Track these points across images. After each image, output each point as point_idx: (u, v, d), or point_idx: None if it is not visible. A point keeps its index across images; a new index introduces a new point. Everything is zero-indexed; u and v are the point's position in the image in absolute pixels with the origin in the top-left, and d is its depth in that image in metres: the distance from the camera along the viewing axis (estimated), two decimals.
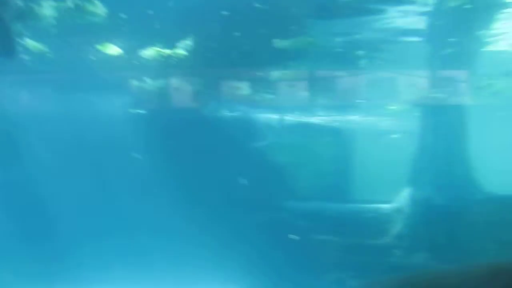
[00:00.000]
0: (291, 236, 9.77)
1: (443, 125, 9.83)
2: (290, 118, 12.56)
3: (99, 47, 9.50)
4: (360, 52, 11.13)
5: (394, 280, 5.21)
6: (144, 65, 10.18)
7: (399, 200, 10.07)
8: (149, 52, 9.78)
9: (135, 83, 11.12)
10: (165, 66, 10.27)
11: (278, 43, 9.56)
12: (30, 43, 9.25)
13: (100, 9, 8.36)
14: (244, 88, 11.42)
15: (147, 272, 9.92)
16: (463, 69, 10.59)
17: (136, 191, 10.76)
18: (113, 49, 9.56)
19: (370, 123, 14.18)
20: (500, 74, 10.96)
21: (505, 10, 9.15)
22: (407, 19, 9.80)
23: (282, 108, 12.28)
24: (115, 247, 10.41)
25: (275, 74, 11.43)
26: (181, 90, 11.13)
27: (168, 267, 10.09)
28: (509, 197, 8.16)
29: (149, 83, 11.00)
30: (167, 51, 9.81)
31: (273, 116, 12.39)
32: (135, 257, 10.25)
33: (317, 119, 13.13)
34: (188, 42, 9.71)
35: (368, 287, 5.50)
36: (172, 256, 10.28)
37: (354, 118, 13.84)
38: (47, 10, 8.13)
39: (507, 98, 10.78)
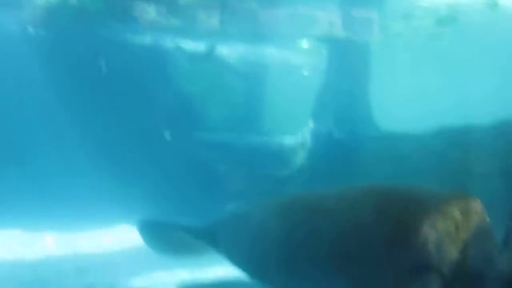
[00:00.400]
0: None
1: (346, 63, 10.25)
2: (201, 46, 12.38)
3: None
4: None
5: (276, 200, 5.61)
6: None
7: (302, 134, 10.53)
8: None
9: None
10: None
11: None
12: None
13: None
14: (151, 12, 11.00)
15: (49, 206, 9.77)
16: (372, 8, 10.93)
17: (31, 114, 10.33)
18: None
19: (282, 58, 14.39)
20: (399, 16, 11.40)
21: None
22: None
23: (192, 35, 12.05)
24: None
25: None
26: (84, 10, 10.50)
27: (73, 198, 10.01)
28: (400, 134, 8.81)
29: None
30: None
31: (183, 44, 12.15)
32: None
33: (229, 49, 13.07)
34: None
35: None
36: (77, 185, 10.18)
37: (266, 51, 13.95)
38: None
39: (405, 40, 11.34)
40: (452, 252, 4.29)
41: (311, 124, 10.52)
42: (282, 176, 9.90)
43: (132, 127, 10.75)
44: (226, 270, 6.66)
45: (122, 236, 9.01)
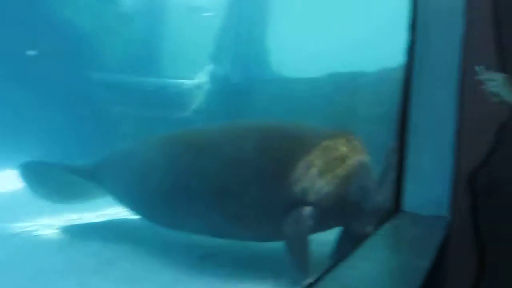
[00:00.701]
0: None
1: (245, 6, 10.19)
2: None
3: None
4: None
5: (160, 137, 5.63)
6: None
7: (200, 76, 10.45)
8: None
9: None
10: None
11: None
12: None
13: None
14: None
15: None
16: None
17: None
18: None
19: None
20: None
21: None
22: None
23: None
24: None
25: None
26: None
27: None
28: (292, 78, 9.07)
29: None
30: None
31: None
32: None
33: None
34: None
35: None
36: None
37: None
38: None
39: None
40: (330, 187, 4.49)
41: (209, 66, 10.46)
42: (178, 118, 9.85)
43: (18, 64, 10.02)
44: (117, 211, 6.62)
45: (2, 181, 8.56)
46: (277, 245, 4.37)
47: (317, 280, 2.03)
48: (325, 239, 4.51)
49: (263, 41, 10.31)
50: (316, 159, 4.57)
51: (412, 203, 3.67)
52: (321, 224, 4.52)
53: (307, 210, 4.45)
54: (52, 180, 6.49)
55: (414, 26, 3.89)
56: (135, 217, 5.95)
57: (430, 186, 3.67)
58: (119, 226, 6.17)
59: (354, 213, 4.56)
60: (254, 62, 9.98)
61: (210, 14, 13.73)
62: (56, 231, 5.88)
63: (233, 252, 5.06)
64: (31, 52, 10.19)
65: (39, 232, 5.81)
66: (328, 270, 2.18)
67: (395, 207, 3.72)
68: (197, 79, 10.46)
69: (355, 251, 2.56)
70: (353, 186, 4.58)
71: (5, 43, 9.63)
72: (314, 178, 4.51)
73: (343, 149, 4.73)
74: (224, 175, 4.75)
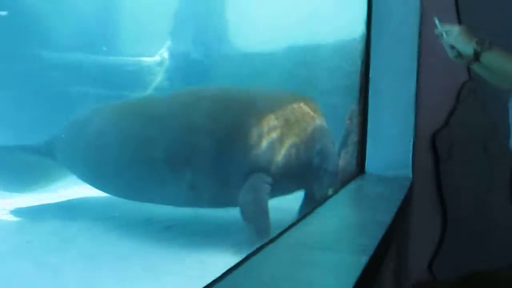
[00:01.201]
0: None
1: None
2: None
3: None
4: None
5: (113, 106, 5.44)
6: None
7: (160, 53, 10.20)
8: None
9: None
10: None
11: None
12: None
13: None
14: None
15: None
16: None
17: None
18: None
19: None
20: None
21: None
22: None
23: None
24: None
25: None
26: None
27: None
28: (253, 53, 8.96)
29: None
30: None
31: None
32: None
33: None
34: None
35: None
36: None
37: None
38: None
39: None
40: (285, 151, 4.38)
41: (169, 42, 10.21)
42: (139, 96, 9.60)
43: None
44: (76, 191, 6.41)
45: None
46: (238, 215, 4.30)
47: (275, 238, 1.96)
48: (290, 207, 4.48)
49: (222, 16, 10.12)
50: (271, 122, 4.45)
51: (375, 164, 3.66)
52: (279, 189, 4.45)
53: (262, 176, 4.37)
54: (4, 166, 6.18)
55: None
56: (94, 195, 5.78)
57: (392, 147, 3.66)
58: (79, 205, 5.98)
59: (313, 176, 4.46)
60: (214, 37, 9.81)
61: None
62: (13, 214, 5.64)
63: (193, 224, 4.98)
64: None
65: None
66: (286, 229, 2.12)
67: (359, 169, 3.70)
68: (156, 56, 10.22)
69: (317, 208, 2.51)
70: (310, 149, 4.47)
71: None
72: (268, 142, 4.41)
73: (299, 111, 4.61)
74: (175, 143, 4.62)
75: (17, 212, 5.73)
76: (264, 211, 4.21)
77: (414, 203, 3.54)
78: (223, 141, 4.45)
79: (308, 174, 4.45)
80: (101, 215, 5.22)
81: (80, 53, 10.26)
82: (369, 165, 3.67)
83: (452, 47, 2.50)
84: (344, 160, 4.28)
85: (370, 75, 3.71)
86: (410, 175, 3.56)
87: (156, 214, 5.18)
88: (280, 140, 4.39)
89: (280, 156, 4.37)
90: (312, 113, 4.65)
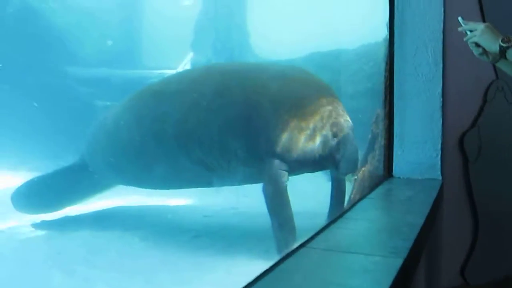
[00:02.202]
0: None
1: None
2: None
3: None
4: None
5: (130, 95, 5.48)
6: None
7: (183, 65, 10.31)
8: None
9: None
10: None
11: None
12: None
13: None
14: None
15: None
16: None
17: None
18: None
19: None
20: None
21: None
22: None
23: None
24: None
25: None
26: None
27: None
28: (275, 61, 8.97)
29: None
30: None
31: None
32: None
33: None
34: None
35: None
36: None
37: None
38: None
39: None
40: (302, 133, 4.18)
41: (191, 54, 10.32)
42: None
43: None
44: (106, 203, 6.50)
45: None
46: (267, 222, 4.27)
47: (306, 241, 1.95)
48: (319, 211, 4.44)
49: (243, 26, 10.19)
50: (290, 104, 4.22)
51: (403, 168, 3.62)
52: (299, 169, 4.31)
53: (281, 164, 4.15)
54: (46, 191, 6.21)
55: None
56: (124, 204, 5.83)
57: (420, 150, 3.62)
58: (109, 216, 6.05)
59: (330, 163, 4.20)
60: (235, 47, 9.87)
61: (189, 3, 13.59)
62: (43, 225, 5.74)
63: (222, 232, 4.98)
64: (3, 51, 9.96)
65: (27, 228, 5.67)
66: (317, 233, 2.10)
67: (387, 173, 3.66)
68: (179, 68, 10.32)
69: (345, 213, 2.48)
70: (327, 129, 4.17)
71: None
72: (286, 124, 4.18)
73: (313, 90, 4.37)
74: (187, 121, 4.57)
75: (47, 223, 5.83)
76: (285, 203, 4.12)
77: (444, 206, 3.49)
78: (236, 120, 4.37)
79: (327, 151, 4.23)
80: (130, 225, 5.27)
81: (106, 68, 10.45)
82: (396, 168, 3.63)
83: (477, 45, 2.47)
84: (371, 164, 4.23)
85: (395, 78, 3.68)
86: (439, 177, 3.50)
87: (185, 223, 5.20)
88: (297, 121, 4.25)
89: (298, 138, 4.22)
90: (326, 91, 4.48)
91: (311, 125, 4.17)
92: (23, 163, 9.39)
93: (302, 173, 4.41)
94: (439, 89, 3.59)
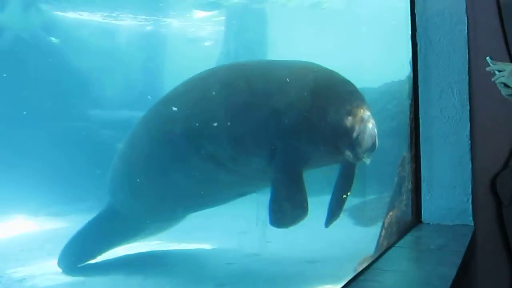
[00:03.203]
0: None
1: (244, 33, 10.30)
2: None
3: None
4: None
5: None
6: None
7: None
8: None
9: None
10: None
11: None
12: None
13: None
14: None
15: None
16: None
17: None
18: None
19: (180, 28, 14.12)
20: None
21: None
22: None
23: None
24: None
25: None
26: None
27: None
28: None
29: None
30: None
31: None
32: None
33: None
34: None
35: None
36: None
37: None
38: None
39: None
40: (314, 117, 4.26)
41: None
42: None
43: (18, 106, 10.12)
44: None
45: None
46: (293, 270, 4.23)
47: None
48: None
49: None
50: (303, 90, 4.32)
51: (433, 213, 3.56)
52: (314, 158, 4.34)
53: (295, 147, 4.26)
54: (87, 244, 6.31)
55: (415, 35, 3.86)
56: (146, 250, 5.82)
57: (449, 194, 3.56)
58: (130, 261, 6.06)
59: (348, 138, 4.16)
60: None
61: (209, 43, 13.91)
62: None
63: (246, 280, 4.93)
64: (31, 94, 10.30)
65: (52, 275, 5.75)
66: (344, 286, 2.07)
67: (415, 219, 3.61)
68: None
69: (374, 264, 2.45)
70: (340, 110, 4.19)
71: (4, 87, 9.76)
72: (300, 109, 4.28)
73: (331, 79, 4.48)
74: (194, 117, 4.66)
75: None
76: (300, 189, 4.12)
77: (477, 254, 3.39)
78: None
79: (340, 137, 4.25)
80: (152, 273, 5.27)
81: (128, 110, 10.67)
82: (425, 214, 3.57)
83: (506, 86, 2.47)
84: (398, 209, 4.18)
85: (420, 120, 3.67)
86: (471, 223, 3.43)
87: (208, 270, 5.17)
88: (309, 105, 4.31)
89: (311, 120, 4.25)
90: (339, 78, 4.56)
91: (325, 105, 4.23)
92: (42, 208, 9.55)
93: (318, 160, 4.39)
94: (467, 131, 3.56)
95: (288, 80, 4.47)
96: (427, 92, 3.66)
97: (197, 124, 4.70)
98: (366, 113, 4.17)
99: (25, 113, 9.78)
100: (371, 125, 4.13)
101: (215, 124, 4.63)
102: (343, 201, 4.74)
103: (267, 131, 4.39)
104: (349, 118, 4.12)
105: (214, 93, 4.80)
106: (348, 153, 4.15)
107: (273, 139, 4.35)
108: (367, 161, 4.17)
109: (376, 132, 4.15)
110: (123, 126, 10.44)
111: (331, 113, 4.19)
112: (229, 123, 4.60)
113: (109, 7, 12.45)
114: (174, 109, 5.11)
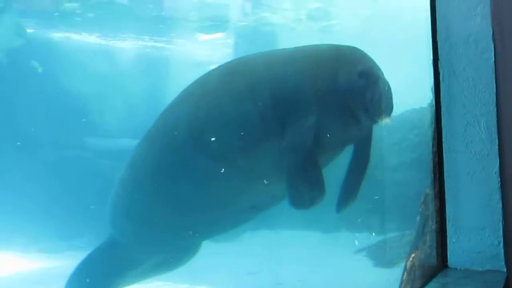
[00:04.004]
0: None
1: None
2: None
3: None
4: None
5: None
6: None
7: None
8: None
9: None
10: None
11: None
12: None
13: None
14: None
15: None
16: None
17: None
18: None
19: (186, 51, 14.30)
20: None
21: None
22: None
23: None
24: None
25: None
26: None
27: None
28: None
29: None
30: None
31: None
32: None
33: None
34: None
35: None
36: None
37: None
38: None
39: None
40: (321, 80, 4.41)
41: None
42: None
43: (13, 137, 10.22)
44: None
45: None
46: None
47: None
48: None
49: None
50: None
51: (460, 257, 3.49)
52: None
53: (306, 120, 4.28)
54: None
55: (437, 63, 3.86)
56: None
57: (478, 236, 3.50)
58: None
59: (360, 97, 4.32)
60: None
61: (215, 66, 14.01)
62: None
63: None
64: (27, 124, 10.40)
65: None
66: None
67: (441, 263, 3.54)
68: None
69: None
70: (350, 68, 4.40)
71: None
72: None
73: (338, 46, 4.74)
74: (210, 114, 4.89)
75: None
76: (314, 166, 4.15)
77: None
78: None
79: (353, 96, 4.26)
80: None
81: (128, 138, 10.73)
82: (452, 258, 3.51)
83: None
84: (421, 251, 4.12)
85: (444, 156, 3.64)
86: (504, 269, 3.36)
87: None
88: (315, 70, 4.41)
89: (321, 85, 4.32)
90: (346, 46, 4.73)
91: (333, 67, 4.35)
92: (34, 244, 9.52)
93: (332, 135, 4.41)
94: (496, 168, 3.52)
95: (292, 52, 4.67)
96: (451, 124, 3.63)
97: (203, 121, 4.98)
98: (378, 73, 4.33)
99: (18, 143, 9.89)
100: (384, 83, 4.29)
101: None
102: (359, 182, 4.76)
103: (275, 106, 4.46)
104: (361, 77, 4.25)
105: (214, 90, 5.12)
106: (364, 115, 4.21)
107: (282, 114, 4.42)
108: (387, 121, 4.21)
109: (392, 93, 4.26)
110: (122, 155, 10.53)
111: (341, 74, 4.29)
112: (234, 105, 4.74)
113: (108, 29, 12.64)
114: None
